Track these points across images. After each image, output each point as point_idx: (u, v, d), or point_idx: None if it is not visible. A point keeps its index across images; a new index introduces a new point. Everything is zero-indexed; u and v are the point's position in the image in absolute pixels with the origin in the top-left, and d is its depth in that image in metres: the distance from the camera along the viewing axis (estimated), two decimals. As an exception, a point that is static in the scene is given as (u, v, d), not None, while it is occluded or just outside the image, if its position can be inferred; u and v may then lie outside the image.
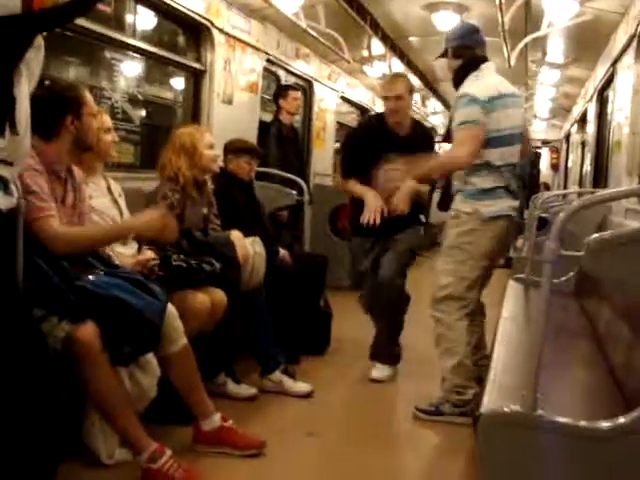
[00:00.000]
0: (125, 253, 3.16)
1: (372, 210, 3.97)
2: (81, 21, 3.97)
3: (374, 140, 4.22)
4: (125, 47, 4.66)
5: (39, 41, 2.11)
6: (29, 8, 1.90)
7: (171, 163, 3.67)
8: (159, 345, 2.79)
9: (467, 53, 3.60)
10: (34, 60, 2.10)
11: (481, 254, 3.45)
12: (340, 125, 9.43)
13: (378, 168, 4.11)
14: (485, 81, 3.49)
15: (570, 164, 12.60)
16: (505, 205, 3.47)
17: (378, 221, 3.96)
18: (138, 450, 2.62)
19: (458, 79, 3.59)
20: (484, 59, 3.58)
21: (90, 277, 2.65)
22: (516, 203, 3.58)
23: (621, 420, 1.84)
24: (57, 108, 2.72)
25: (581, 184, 9.43)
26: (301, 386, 3.83)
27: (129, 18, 4.70)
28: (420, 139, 4.26)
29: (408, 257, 4.28)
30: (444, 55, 3.73)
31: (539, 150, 15.43)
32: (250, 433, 3.06)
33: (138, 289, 2.67)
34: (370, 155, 4.15)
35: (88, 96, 2.84)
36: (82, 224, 2.93)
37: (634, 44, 5.18)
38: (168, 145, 3.77)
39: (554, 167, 16.33)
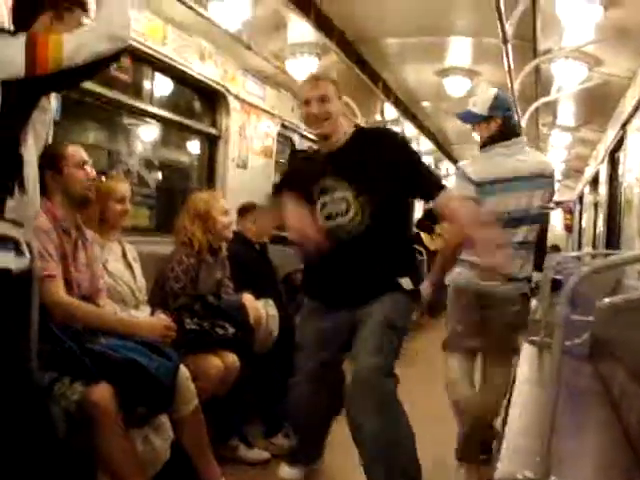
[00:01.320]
0: (138, 317, 3.18)
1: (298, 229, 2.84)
2: (100, 88, 4.08)
3: (303, 174, 3.20)
4: (142, 114, 4.76)
5: (44, 103, 2.16)
6: (33, 72, 1.96)
7: (186, 228, 3.71)
8: (172, 406, 2.79)
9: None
10: (39, 122, 2.16)
11: None
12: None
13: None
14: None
15: (584, 225, 12.60)
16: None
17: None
18: None
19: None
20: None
21: (102, 340, 2.67)
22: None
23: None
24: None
25: (594, 245, 9.42)
26: None
27: (147, 85, 4.81)
28: (365, 144, 3.00)
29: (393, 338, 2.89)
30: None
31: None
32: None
33: (149, 351, 2.69)
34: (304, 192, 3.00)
35: (71, 150, 2.83)
36: (96, 286, 2.97)
37: (642, 107, 5.25)
38: (183, 210, 3.82)
39: (568, 228, 16.31)
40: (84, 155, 2.87)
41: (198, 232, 3.68)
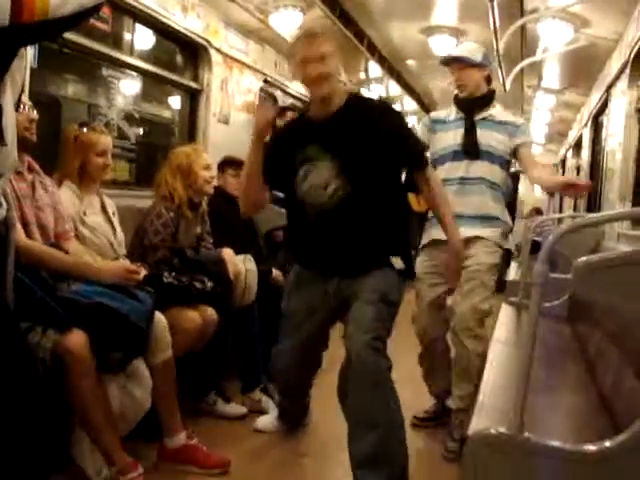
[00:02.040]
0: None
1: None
2: (79, 38, 4.00)
3: (291, 139, 2.99)
4: (123, 65, 4.68)
5: (22, 50, 2.11)
6: (17, 21, 1.90)
7: (167, 182, 3.69)
8: (147, 351, 2.80)
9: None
10: (17, 69, 2.10)
11: None
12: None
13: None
14: None
15: (565, 189, 12.61)
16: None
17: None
18: (112, 461, 2.63)
19: (484, 103, 3.67)
20: None
21: (72, 286, 2.65)
22: None
23: (607, 444, 1.84)
24: None
25: (575, 208, 9.45)
26: None
27: (127, 36, 4.73)
28: (359, 117, 2.82)
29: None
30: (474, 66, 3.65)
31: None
32: (218, 452, 3.05)
33: (121, 294, 2.68)
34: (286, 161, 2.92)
35: None
36: (63, 227, 2.97)
37: (627, 71, 5.22)
38: (165, 164, 3.79)
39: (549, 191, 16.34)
40: (21, 96, 2.79)
41: (179, 186, 3.66)
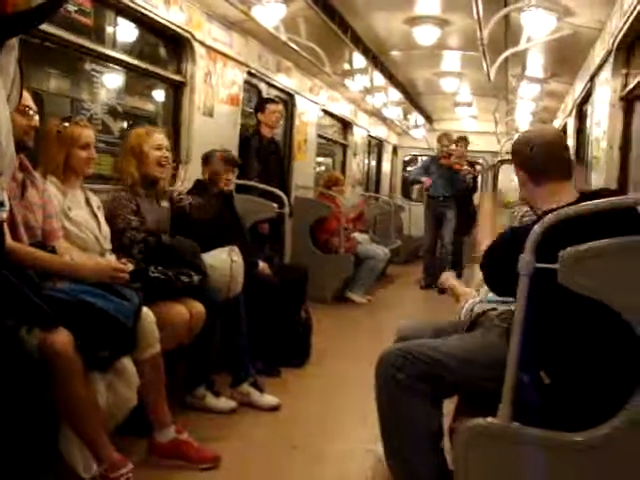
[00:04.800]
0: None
1: None
2: (60, 32, 3.96)
3: None
4: (105, 59, 4.64)
5: (12, 42, 2.08)
6: (2, 9, 1.87)
7: (121, 164, 3.74)
8: (135, 346, 2.79)
9: None
10: (8, 63, 2.07)
11: None
12: (321, 138, 9.46)
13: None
14: None
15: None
16: None
17: None
18: (100, 458, 2.60)
19: None
20: None
21: (57, 285, 2.64)
22: None
23: (593, 433, 1.86)
24: None
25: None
26: (268, 399, 3.81)
27: (109, 29, 4.68)
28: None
29: None
30: None
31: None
32: (208, 446, 3.04)
33: (107, 292, 2.66)
34: None
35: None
36: (51, 226, 2.95)
37: (611, 59, 5.24)
38: (121, 148, 3.80)
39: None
40: (29, 100, 2.77)
41: (131, 167, 3.67)
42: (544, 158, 2.35)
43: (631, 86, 5.04)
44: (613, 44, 5.09)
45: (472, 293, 3.02)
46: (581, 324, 2.06)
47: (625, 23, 4.66)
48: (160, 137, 3.81)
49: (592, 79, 6.25)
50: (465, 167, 9.14)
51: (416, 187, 9.35)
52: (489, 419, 1.94)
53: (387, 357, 2.42)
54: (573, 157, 8.11)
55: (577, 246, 1.86)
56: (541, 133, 2.52)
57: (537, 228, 1.90)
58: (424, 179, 9.16)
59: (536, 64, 7.97)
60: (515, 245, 1.96)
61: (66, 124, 3.22)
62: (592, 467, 1.86)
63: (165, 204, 3.86)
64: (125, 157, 3.74)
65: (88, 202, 3.34)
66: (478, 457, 1.98)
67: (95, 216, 3.34)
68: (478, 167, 10.62)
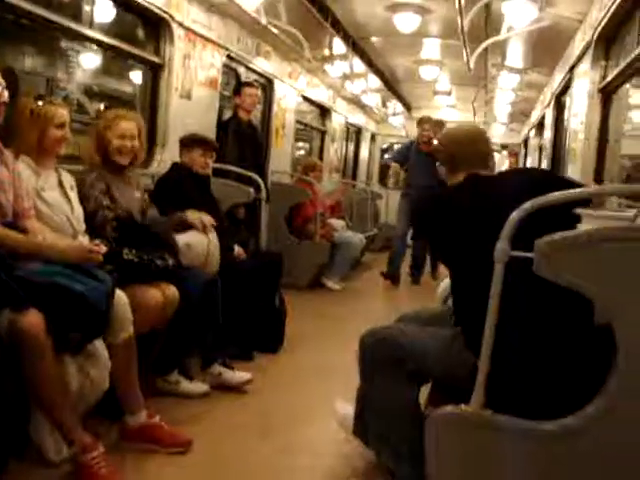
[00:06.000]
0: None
1: None
2: (37, 9, 3.89)
3: None
4: (82, 38, 4.57)
5: None
6: None
7: (85, 143, 3.71)
8: (107, 330, 2.75)
9: None
10: None
11: None
12: (300, 124, 9.43)
13: None
14: None
15: (527, 168, 12.73)
16: None
17: None
18: (72, 441, 2.58)
19: None
20: None
21: (28, 265, 2.60)
22: None
23: (565, 421, 1.87)
24: None
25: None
26: (240, 375, 3.79)
27: (87, 8, 4.61)
28: None
29: None
30: None
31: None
32: (179, 431, 3.02)
33: (79, 274, 2.63)
34: None
35: None
36: (22, 206, 2.91)
37: (590, 51, 5.26)
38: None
39: (511, 171, 16.44)
40: None
41: (91, 149, 3.61)
42: (455, 152, 2.64)
43: (609, 78, 5.06)
44: (593, 36, 5.11)
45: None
46: (553, 312, 2.09)
47: (605, 15, 4.68)
48: (125, 125, 3.64)
49: (571, 70, 6.28)
50: None
51: (392, 173, 8.48)
52: (462, 406, 1.94)
53: (364, 337, 2.62)
54: (550, 148, 8.16)
55: (552, 235, 1.86)
56: (454, 132, 2.89)
57: (513, 217, 1.90)
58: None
59: (516, 54, 8.00)
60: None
61: (40, 103, 3.16)
62: (565, 455, 1.87)
63: (137, 193, 3.79)
64: (90, 138, 3.68)
65: (61, 183, 3.28)
66: (449, 443, 1.98)
67: (68, 197, 3.28)
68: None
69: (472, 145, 2.63)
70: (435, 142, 8.04)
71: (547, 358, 2.04)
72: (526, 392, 2.02)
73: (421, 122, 8.17)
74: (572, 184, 2.48)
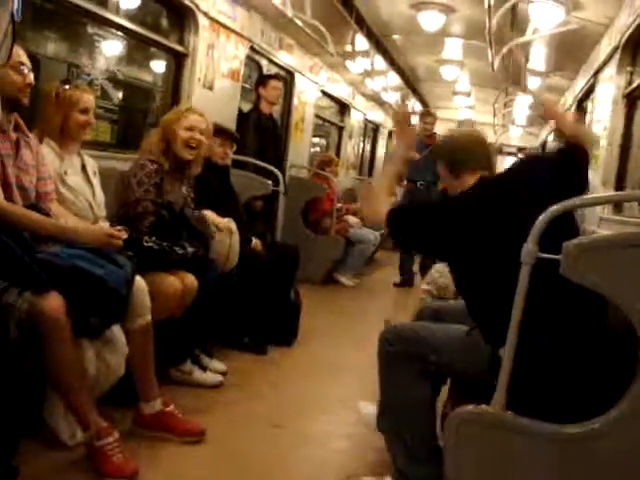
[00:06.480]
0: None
1: None
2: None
3: None
4: (107, 24, 4.57)
5: None
6: None
7: (151, 138, 3.69)
8: (125, 318, 2.76)
9: None
10: (1, 17, 2.01)
11: None
12: (318, 118, 9.41)
13: None
14: None
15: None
16: None
17: None
18: (87, 426, 2.58)
19: None
20: None
21: (51, 248, 2.60)
22: None
23: (591, 424, 1.85)
24: None
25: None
26: (213, 376, 3.71)
27: (113, -5, 4.61)
28: None
29: None
30: None
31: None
32: (193, 420, 3.02)
33: (100, 259, 2.63)
34: None
35: None
36: (44, 188, 2.92)
37: (617, 56, 5.21)
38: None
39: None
40: (23, 57, 2.71)
41: (160, 142, 3.60)
42: (458, 154, 2.61)
43: (635, 84, 5.02)
44: (620, 40, 5.06)
45: None
46: (578, 316, 2.07)
47: (634, 20, 4.63)
48: (195, 118, 3.70)
49: (595, 75, 6.23)
50: None
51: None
52: (483, 406, 1.93)
53: (385, 332, 2.61)
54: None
55: (580, 238, 1.85)
56: (458, 136, 2.86)
57: (541, 219, 1.89)
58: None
59: (539, 57, 7.93)
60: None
61: (66, 87, 3.16)
62: (587, 459, 1.86)
63: (184, 189, 3.78)
64: (157, 132, 3.69)
65: (84, 168, 3.29)
66: (469, 444, 1.97)
67: (90, 182, 3.29)
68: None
69: (479, 148, 2.62)
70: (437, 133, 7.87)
71: (576, 362, 2.03)
72: (550, 395, 2.01)
73: (423, 116, 8.20)
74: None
